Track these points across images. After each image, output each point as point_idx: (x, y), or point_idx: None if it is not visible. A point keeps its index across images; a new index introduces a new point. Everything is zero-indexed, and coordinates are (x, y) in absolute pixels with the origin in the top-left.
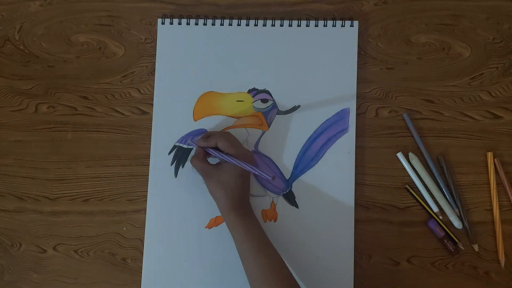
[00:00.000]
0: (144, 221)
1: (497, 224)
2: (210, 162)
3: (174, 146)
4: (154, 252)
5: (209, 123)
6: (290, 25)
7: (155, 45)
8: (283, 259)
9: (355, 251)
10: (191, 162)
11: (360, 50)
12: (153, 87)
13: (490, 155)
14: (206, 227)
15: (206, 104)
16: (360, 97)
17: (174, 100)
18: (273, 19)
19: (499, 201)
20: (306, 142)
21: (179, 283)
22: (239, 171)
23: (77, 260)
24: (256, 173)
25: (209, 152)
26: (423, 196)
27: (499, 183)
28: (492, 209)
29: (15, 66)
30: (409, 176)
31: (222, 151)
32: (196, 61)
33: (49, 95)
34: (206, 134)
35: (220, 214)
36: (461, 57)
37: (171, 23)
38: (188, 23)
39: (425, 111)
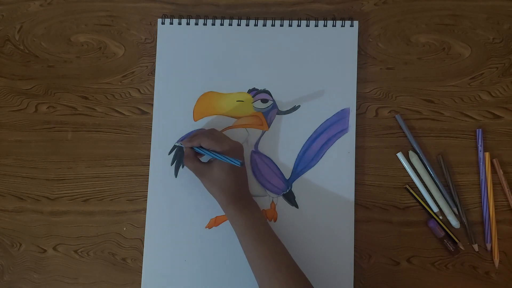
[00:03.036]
0: (144, 221)
1: (492, 224)
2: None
3: (174, 146)
4: (154, 252)
5: (209, 123)
6: (290, 25)
7: (155, 45)
8: None
9: (355, 251)
10: (183, 163)
11: (360, 50)
12: (153, 87)
13: (487, 155)
14: (206, 227)
15: (206, 104)
16: (360, 97)
17: (174, 100)
18: (273, 19)
19: (495, 201)
20: (306, 142)
21: (179, 283)
22: (230, 165)
23: (77, 260)
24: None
25: (197, 151)
26: (423, 196)
27: (497, 183)
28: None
29: (15, 66)
30: (409, 176)
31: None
32: (196, 61)
33: (49, 95)
34: (192, 134)
35: (220, 214)
36: (461, 57)
37: (171, 23)
38: (188, 23)
39: (425, 111)
